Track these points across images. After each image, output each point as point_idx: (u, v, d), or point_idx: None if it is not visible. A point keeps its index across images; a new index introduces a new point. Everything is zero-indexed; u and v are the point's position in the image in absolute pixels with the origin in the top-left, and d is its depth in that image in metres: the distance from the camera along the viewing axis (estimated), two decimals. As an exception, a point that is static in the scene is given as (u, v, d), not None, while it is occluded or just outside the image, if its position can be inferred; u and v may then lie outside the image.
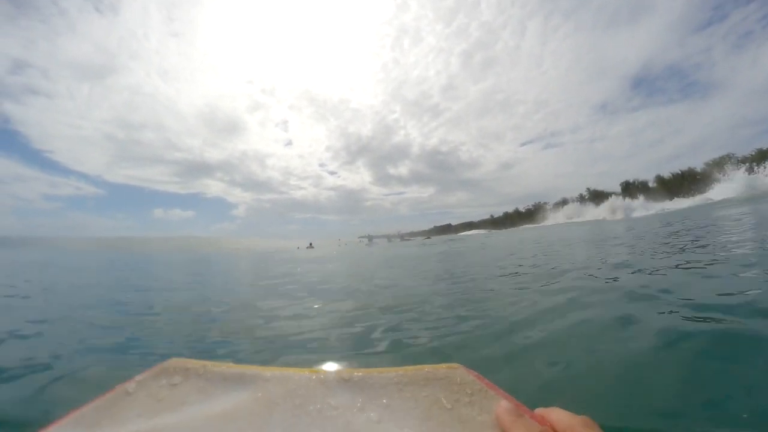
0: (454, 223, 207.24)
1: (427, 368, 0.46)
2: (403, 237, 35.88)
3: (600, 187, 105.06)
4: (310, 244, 45.45)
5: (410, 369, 0.46)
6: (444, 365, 0.47)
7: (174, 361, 0.48)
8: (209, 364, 0.47)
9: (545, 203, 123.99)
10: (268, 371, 0.45)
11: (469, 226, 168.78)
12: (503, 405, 0.39)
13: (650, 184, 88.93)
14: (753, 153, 71.47)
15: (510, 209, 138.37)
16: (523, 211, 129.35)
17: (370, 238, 31.14)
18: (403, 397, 0.42)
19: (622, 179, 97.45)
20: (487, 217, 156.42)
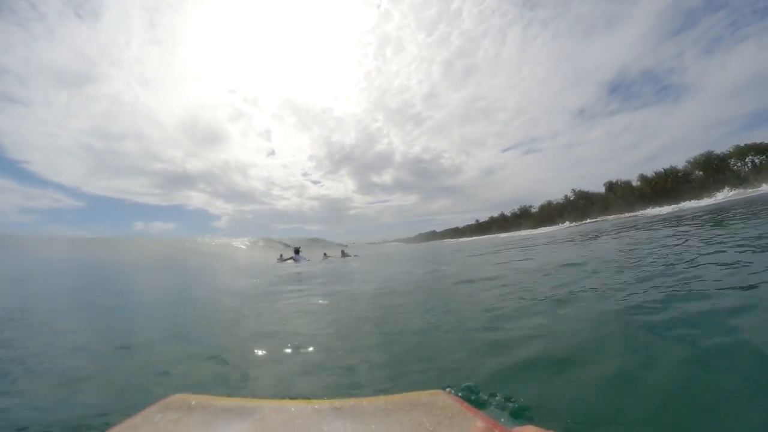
0: (438, 230, 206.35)
1: (411, 395, 0.52)
2: (344, 253, 19.32)
3: (582, 188, 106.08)
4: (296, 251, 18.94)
5: (396, 396, 0.52)
6: (427, 392, 0.54)
7: (176, 397, 0.51)
8: (210, 398, 0.51)
9: (530, 207, 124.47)
10: (266, 403, 0.49)
11: (455, 232, 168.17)
12: (478, 425, 0.43)
13: (634, 183, 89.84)
14: (731, 149, 73.01)
15: (495, 214, 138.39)
16: (509, 215, 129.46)
17: (297, 251, 16.38)
18: (390, 422, 0.47)
19: (601, 181, 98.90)
20: (472, 222, 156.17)
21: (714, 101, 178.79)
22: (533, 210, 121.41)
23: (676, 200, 73.01)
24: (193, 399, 0.49)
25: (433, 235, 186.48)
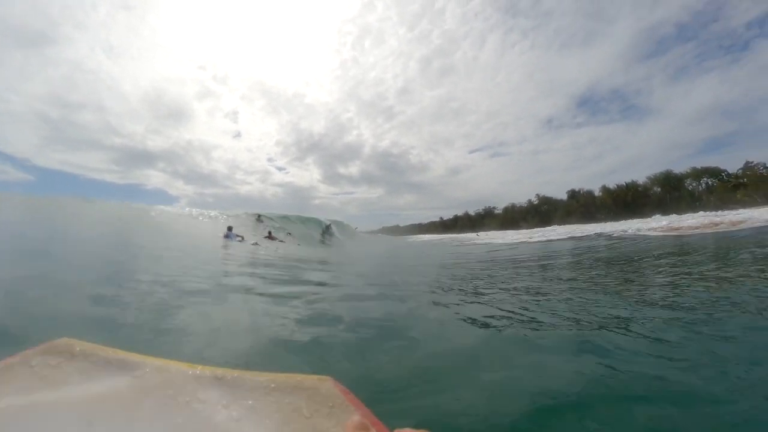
0: (402, 224, 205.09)
1: (298, 377, 0.49)
2: (271, 235, 16.83)
3: (546, 195, 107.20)
4: (228, 228, 14.84)
5: (282, 375, 0.49)
6: (315, 376, 0.50)
7: (62, 341, 0.49)
8: (96, 348, 0.48)
9: (494, 208, 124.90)
10: (150, 360, 0.47)
11: (418, 228, 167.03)
12: (354, 420, 0.42)
13: (596, 193, 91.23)
14: (688, 170, 75.06)
15: (459, 212, 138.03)
16: (473, 215, 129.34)
17: (229, 228, 14.43)
18: (268, 401, 0.45)
19: (564, 189, 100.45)
20: (436, 219, 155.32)
21: (675, 125, 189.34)
22: (497, 211, 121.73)
23: (636, 213, 75.06)
24: (79, 345, 0.48)
25: (397, 230, 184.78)
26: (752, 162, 65.47)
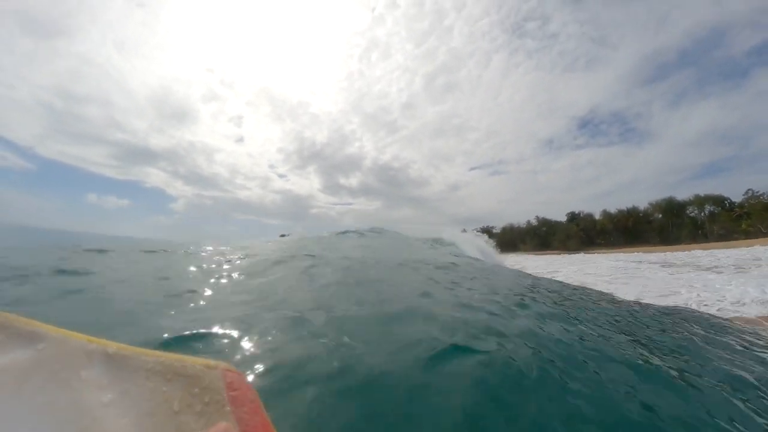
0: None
1: (186, 360, 0.46)
2: None
3: (544, 215, 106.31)
4: None
5: (171, 357, 0.46)
6: (203, 361, 0.47)
7: None
8: (15, 319, 0.47)
9: (492, 227, 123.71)
10: (57, 333, 0.46)
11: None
12: (221, 426, 0.39)
13: (596, 216, 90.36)
14: (692, 197, 74.44)
15: (456, 230, 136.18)
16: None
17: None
18: (146, 385, 0.43)
19: (562, 209, 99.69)
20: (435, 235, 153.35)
21: (673, 149, 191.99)
22: (495, 230, 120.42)
23: (638, 239, 73.87)
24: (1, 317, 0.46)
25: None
26: (757, 191, 64.87)
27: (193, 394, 0.43)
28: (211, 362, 0.46)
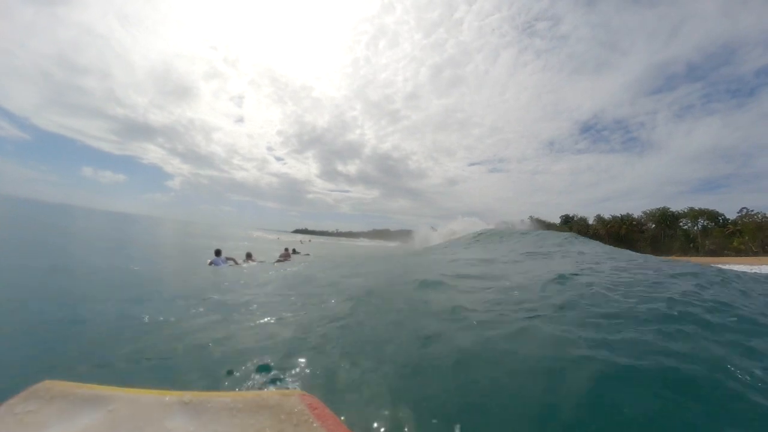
0: (392, 229, 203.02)
1: (264, 394, 0.51)
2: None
3: (538, 216, 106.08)
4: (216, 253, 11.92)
5: (249, 394, 0.51)
6: (279, 392, 0.52)
7: (44, 384, 0.51)
8: (74, 386, 0.51)
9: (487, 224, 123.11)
10: (123, 393, 0.50)
11: (408, 234, 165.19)
12: None
13: (590, 221, 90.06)
14: (686, 210, 74.14)
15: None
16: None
17: (217, 252, 11.76)
18: (233, 423, 0.46)
19: (557, 211, 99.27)
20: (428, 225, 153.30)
21: (673, 162, 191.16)
22: (489, 227, 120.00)
23: (629, 248, 73.07)
24: (58, 386, 0.50)
25: (387, 234, 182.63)
26: (752, 210, 64.40)
27: (280, 420, 0.46)
28: (286, 391, 0.53)
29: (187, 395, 0.49)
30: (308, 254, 23.21)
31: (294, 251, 20.32)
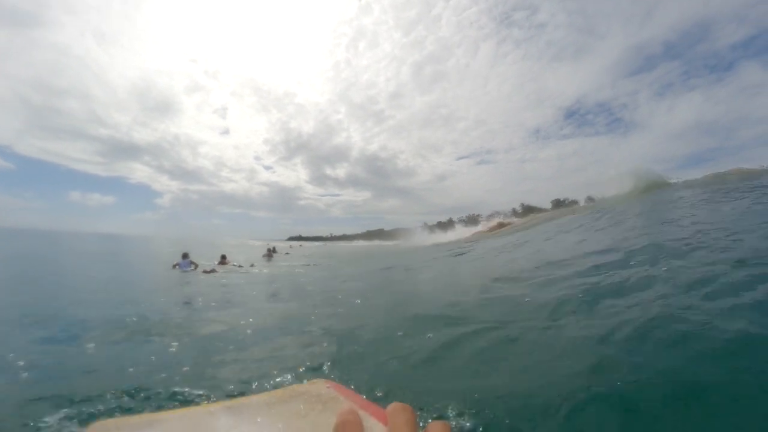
0: (386, 228, 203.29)
1: (293, 387, 0.59)
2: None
3: (528, 203, 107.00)
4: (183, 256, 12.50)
5: (280, 390, 0.58)
6: (308, 383, 0.59)
7: (98, 425, 0.51)
8: (125, 420, 0.52)
9: (478, 215, 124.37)
10: (172, 414, 0.53)
11: (405, 232, 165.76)
12: (344, 407, 0.47)
13: (582, 203, 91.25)
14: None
15: (443, 219, 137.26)
16: (456, 221, 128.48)
17: (185, 255, 12.42)
18: (272, 413, 0.52)
19: (548, 197, 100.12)
20: (419, 224, 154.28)
21: (658, 139, 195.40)
22: (481, 219, 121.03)
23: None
24: (112, 423, 0.52)
25: (381, 234, 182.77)
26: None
27: (311, 402, 0.53)
28: (313, 381, 0.57)
29: (228, 402, 0.54)
30: (287, 253, 27.39)
31: (274, 250, 23.05)
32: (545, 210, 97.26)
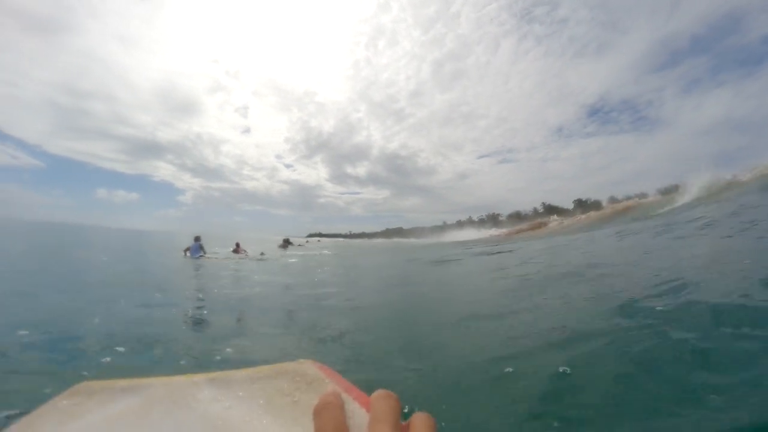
0: (405, 227, 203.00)
1: (280, 365, 0.56)
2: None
3: (551, 203, 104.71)
4: (195, 239, 12.60)
5: (266, 367, 0.57)
6: (295, 362, 0.57)
7: (84, 384, 0.56)
8: (111, 382, 0.56)
9: (498, 214, 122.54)
10: (157, 379, 0.55)
11: (422, 231, 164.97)
12: (328, 389, 0.48)
13: (604, 204, 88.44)
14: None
15: (463, 218, 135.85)
16: (476, 220, 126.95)
17: (197, 239, 12.46)
18: (254, 388, 0.53)
19: (570, 197, 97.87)
20: (439, 223, 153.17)
21: (684, 138, 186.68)
22: (501, 218, 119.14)
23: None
24: (97, 384, 0.55)
25: (400, 233, 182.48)
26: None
27: (296, 381, 0.52)
28: (300, 360, 0.56)
29: (212, 374, 0.55)
30: (301, 245, 29.97)
31: (289, 241, 24.62)
32: (566, 210, 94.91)
